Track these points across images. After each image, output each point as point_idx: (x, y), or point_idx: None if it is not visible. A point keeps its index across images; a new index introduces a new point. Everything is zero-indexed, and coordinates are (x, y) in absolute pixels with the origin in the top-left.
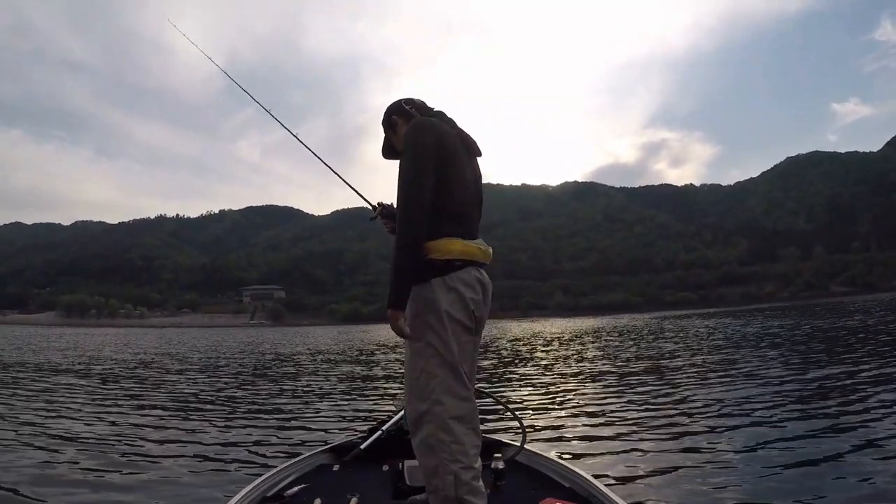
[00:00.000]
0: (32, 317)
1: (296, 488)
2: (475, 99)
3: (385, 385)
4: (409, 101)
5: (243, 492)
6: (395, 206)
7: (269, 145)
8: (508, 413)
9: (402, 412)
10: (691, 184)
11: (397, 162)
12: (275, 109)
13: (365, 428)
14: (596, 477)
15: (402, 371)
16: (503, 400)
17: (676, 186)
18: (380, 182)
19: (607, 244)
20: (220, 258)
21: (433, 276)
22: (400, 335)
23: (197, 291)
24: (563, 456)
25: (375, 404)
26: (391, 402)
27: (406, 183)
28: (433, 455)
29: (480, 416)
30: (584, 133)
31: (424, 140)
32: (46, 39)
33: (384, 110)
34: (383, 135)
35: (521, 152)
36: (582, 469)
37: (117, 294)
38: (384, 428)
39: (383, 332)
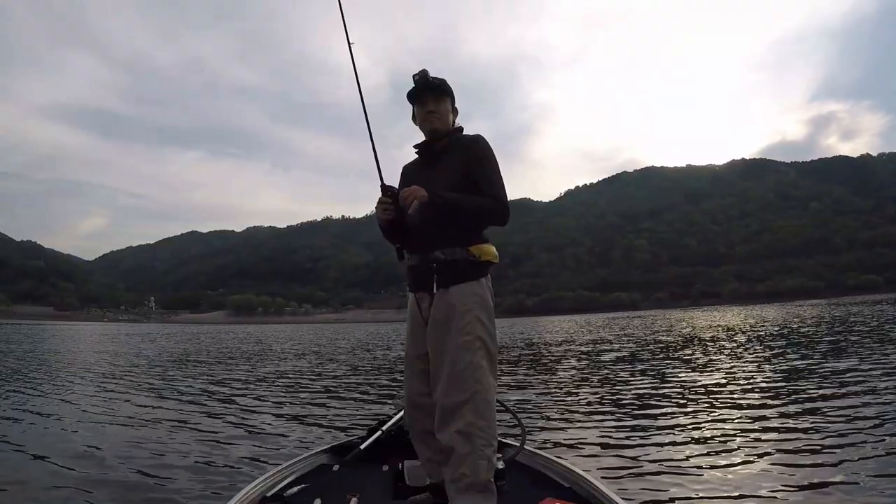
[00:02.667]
0: (203, 316)
1: (296, 488)
2: (630, 84)
3: None
4: None
5: (243, 492)
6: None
7: None
8: (508, 413)
9: (402, 412)
10: (868, 154)
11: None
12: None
13: (365, 428)
14: (596, 477)
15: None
16: (503, 399)
17: (852, 158)
18: (545, 177)
19: (781, 224)
20: (383, 255)
21: (482, 276)
22: (413, 197)
23: (361, 288)
24: (563, 456)
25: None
26: (391, 402)
27: (503, 183)
28: (467, 442)
29: None
30: (747, 111)
31: None
32: (218, 71)
33: (445, 80)
34: (440, 95)
35: (683, 134)
36: (582, 469)
37: (284, 293)
38: (384, 428)
39: (548, 325)
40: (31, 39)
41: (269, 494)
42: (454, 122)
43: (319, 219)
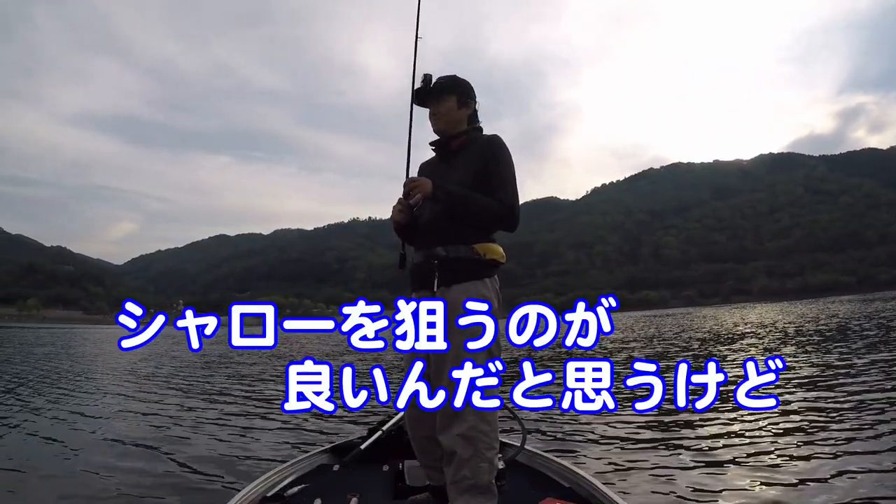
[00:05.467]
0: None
1: (296, 488)
2: (656, 80)
3: None
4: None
5: (243, 492)
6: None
7: None
8: (508, 412)
9: (402, 412)
10: None
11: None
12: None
13: (365, 428)
14: (596, 477)
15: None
16: (504, 399)
17: (882, 150)
18: (571, 175)
19: (812, 219)
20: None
21: (487, 276)
22: (417, 189)
23: (389, 289)
24: (564, 456)
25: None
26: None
27: (515, 187)
28: (470, 446)
29: None
30: (774, 105)
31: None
32: (244, 76)
33: (455, 76)
34: (443, 93)
35: (709, 129)
36: (582, 469)
37: (311, 294)
38: (384, 428)
39: None
40: (59, 49)
41: (269, 494)
42: (471, 116)
43: (346, 220)
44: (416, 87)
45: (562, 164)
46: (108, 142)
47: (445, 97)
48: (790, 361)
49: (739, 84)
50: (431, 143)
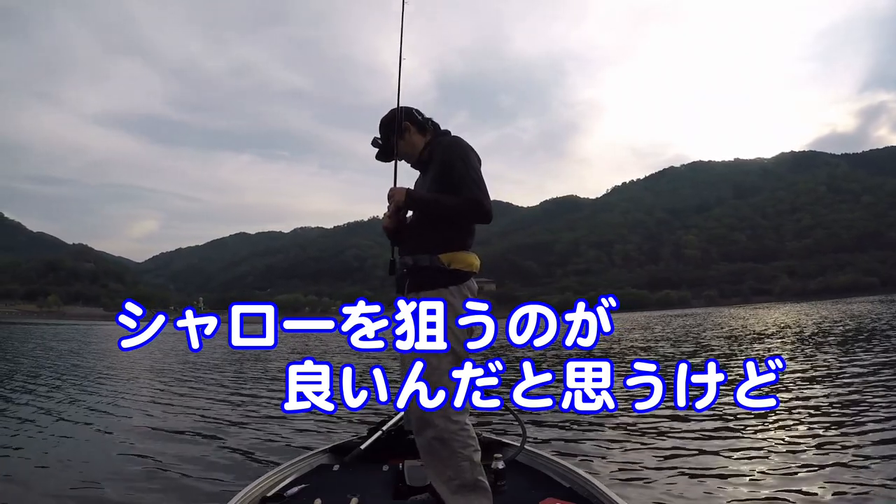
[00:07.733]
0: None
1: (296, 488)
2: (677, 78)
3: None
4: (420, 113)
5: (243, 492)
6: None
7: (480, 147)
8: (509, 413)
9: (402, 412)
10: None
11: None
12: (485, 113)
13: (365, 428)
14: (596, 477)
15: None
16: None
17: None
18: (592, 173)
19: (834, 218)
20: None
21: (451, 284)
22: (392, 198)
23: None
24: (563, 456)
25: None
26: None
27: (481, 186)
28: (445, 447)
29: (482, 417)
30: (795, 103)
31: (478, 161)
32: (267, 76)
33: (388, 113)
34: (380, 136)
35: (730, 127)
36: (582, 469)
37: (331, 292)
38: (384, 428)
39: None
40: (84, 50)
41: (269, 494)
42: (430, 128)
43: (366, 218)
44: (376, 154)
45: (582, 163)
46: (131, 141)
47: (398, 138)
48: (805, 363)
49: (760, 82)
50: (413, 166)
